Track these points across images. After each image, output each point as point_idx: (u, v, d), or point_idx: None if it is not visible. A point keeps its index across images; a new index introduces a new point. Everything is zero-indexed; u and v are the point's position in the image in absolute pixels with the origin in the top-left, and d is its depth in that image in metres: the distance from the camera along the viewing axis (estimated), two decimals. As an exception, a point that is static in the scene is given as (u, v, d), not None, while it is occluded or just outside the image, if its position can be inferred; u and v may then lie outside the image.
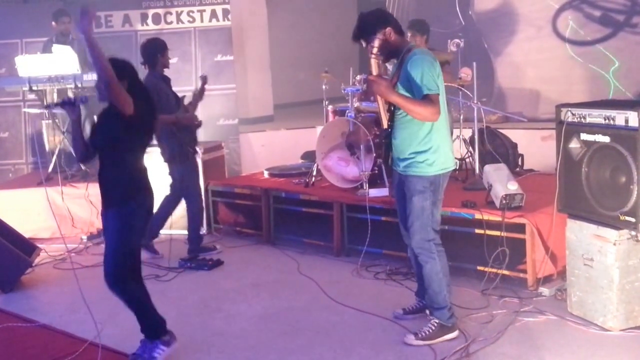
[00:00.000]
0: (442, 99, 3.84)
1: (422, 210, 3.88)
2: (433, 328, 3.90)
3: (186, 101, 5.81)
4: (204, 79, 5.97)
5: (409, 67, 3.76)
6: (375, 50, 3.85)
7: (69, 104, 3.82)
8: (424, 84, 3.71)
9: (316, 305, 4.60)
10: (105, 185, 3.75)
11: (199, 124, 5.80)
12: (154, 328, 3.80)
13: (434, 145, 3.84)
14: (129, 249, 3.73)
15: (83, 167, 6.99)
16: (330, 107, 6.29)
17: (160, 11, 8.06)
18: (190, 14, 8.07)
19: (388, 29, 3.86)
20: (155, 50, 5.63)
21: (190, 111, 5.75)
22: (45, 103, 6.87)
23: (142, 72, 5.08)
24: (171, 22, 8.06)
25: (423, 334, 3.90)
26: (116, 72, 3.57)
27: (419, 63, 3.74)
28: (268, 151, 8.30)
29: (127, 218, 3.67)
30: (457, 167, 3.86)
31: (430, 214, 3.88)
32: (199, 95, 5.89)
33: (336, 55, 9.40)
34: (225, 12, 8.07)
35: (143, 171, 3.79)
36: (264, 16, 9.82)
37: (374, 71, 3.87)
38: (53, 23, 7.44)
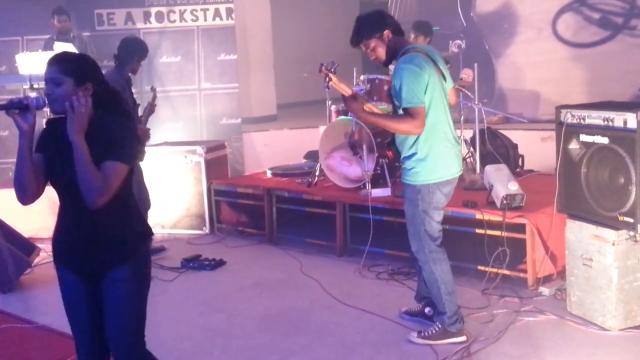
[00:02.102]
0: (440, 107, 3.76)
1: (413, 217, 3.89)
2: (436, 330, 3.92)
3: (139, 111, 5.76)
4: (154, 91, 5.89)
5: (394, 76, 3.75)
6: (330, 78, 3.97)
7: (18, 107, 2.58)
8: (404, 97, 3.66)
9: (318, 305, 4.63)
10: (108, 233, 2.68)
11: (149, 138, 5.73)
12: None
13: (420, 153, 3.76)
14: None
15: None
16: (333, 107, 6.32)
17: (163, 9, 8.08)
18: (194, 12, 8.09)
19: (386, 32, 3.81)
20: (136, 52, 5.57)
21: (142, 123, 5.66)
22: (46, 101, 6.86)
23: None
24: (174, 21, 8.08)
25: (426, 333, 3.94)
26: (85, 72, 2.67)
27: (399, 74, 3.68)
28: (271, 151, 8.32)
29: (143, 268, 2.79)
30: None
31: (422, 222, 3.83)
32: (150, 109, 5.81)
33: (339, 55, 9.41)
34: (229, 11, 8.10)
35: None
36: (268, 15, 9.86)
37: (344, 91, 3.94)
38: (53, 20, 7.46)
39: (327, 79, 4.07)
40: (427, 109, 3.72)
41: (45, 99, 2.65)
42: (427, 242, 3.87)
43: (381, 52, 3.86)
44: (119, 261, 2.67)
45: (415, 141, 3.76)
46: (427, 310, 4.15)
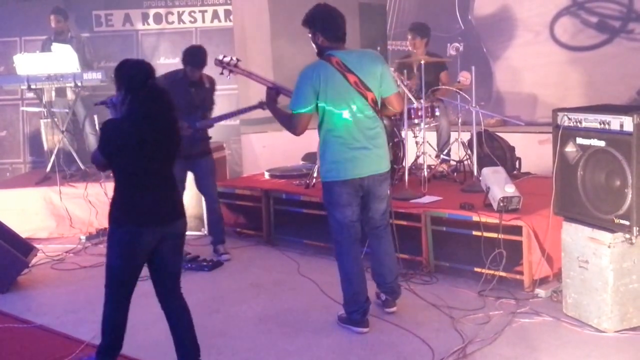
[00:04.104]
0: (338, 113, 3.98)
1: (325, 208, 4.26)
2: (343, 313, 4.23)
3: None
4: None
5: None
6: (229, 70, 4.92)
7: (106, 104, 3.61)
8: (290, 101, 4.07)
9: (316, 306, 4.65)
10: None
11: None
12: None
13: (320, 152, 4.14)
14: None
15: (82, 167, 7.01)
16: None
17: (162, 11, 8.09)
18: (192, 14, 8.11)
19: (317, 34, 4.10)
20: (185, 61, 5.69)
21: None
22: (43, 101, 6.93)
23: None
24: (172, 22, 8.10)
25: (340, 312, 4.27)
26: (118, 78, 3.47)
27: (297, 80, 4.03)
28: (269, 152, 8.32)
29: (110, 238, 3.63)
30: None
31: (330, 214, 4.19)
32: None
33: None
34: (227, 13, 8.11)
35: None
36: (266, 17, 9.86)
37: (263, 83, 4.61)
38: (49, 21, 7.49)
39: (227, 71, 4.95)
40: (321, 114, 4.03)
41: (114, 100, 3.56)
42: (332, 232, 4.22)
43: (314, 47, 4.18)
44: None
45: (321, 139, 4.12)
46: (380, 295, 4.42)
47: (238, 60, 4.99)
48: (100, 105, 3.73)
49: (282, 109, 4.39)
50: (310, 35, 4.15)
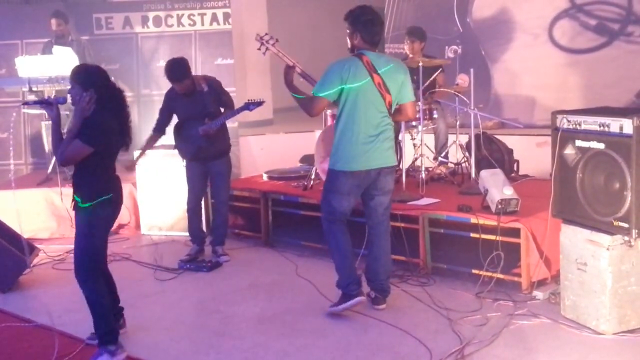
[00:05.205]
0: (357, 111, 4.25)
1: (322, 193, 4.51)
2: (339, 296, 4.40)
3: None
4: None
5: None
6: (267, 48, 5.01)
7: (46, 103, 3.96)
8: (315, 85, 4.38)
9: (313, 307, 4.65)
10: (76, 182, 3.95)
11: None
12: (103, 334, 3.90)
13: (334, 144, 4.39)
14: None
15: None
16: (329, 112, 6.35)
17: (161, 14, 8.10)
18: (191, 17, 8.12)
19: (356, 33, 4.36)
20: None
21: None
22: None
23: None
24: (172, 25, 8.11)
25: (333, 303, 4.45)
26: (87, 80, 3.84)
27: (327, 67, 4.33)
28: (267, 154, 8.33)
29: (85, 218, 3.98)
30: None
31: (326, 199, 4.43)
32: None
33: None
34: (226, 16, 8.12)
35: None
36: (265, 20, 9.87)
37: (287, 62, 4.77)
38: (50, 24, 7.51)
39: (264, 48, 5.04)
40: (341, 107, 4.31)
41: (64, 98, 4.06)
42: (323, 214, 4.47)
43: (348, 42, 4.44)
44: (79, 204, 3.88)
45: (336, 131, 4.37)
46: (370, 292, 4.54)
47: (277, 40, 5.14)
48: (32, 106, 4.14)
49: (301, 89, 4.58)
50: (348, 31, 4.40)
